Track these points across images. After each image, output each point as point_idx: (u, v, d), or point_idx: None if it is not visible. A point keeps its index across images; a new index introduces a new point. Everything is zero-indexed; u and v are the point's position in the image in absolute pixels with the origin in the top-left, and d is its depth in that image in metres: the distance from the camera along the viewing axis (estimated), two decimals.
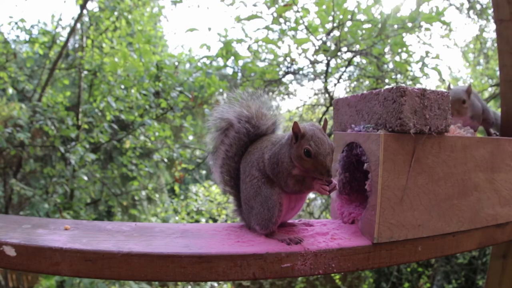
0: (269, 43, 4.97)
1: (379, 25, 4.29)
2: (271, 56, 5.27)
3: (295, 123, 1.21)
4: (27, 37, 6.25)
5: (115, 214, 7.56)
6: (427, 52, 4.81)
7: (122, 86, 5.87)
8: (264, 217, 1.31)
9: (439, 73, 4.76)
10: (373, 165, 1.29)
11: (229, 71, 5.71)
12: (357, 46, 4.59)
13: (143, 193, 7.70)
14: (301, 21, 4.61)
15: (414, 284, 7.46)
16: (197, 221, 7.53)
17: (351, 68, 5.42)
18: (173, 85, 5.38)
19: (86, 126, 6.04)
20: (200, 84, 5.61)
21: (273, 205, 1.30)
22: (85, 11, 6.37)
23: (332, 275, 6.95)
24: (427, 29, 5.01)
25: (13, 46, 5.94)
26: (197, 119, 8.15)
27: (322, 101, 6.12)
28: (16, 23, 6.04)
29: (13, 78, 5.72)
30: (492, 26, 6.54)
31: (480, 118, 2.03)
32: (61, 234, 1.26)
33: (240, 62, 5.17)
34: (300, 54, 4.91)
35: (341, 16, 4.37)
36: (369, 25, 4.45)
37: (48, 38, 6.18)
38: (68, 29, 6.44)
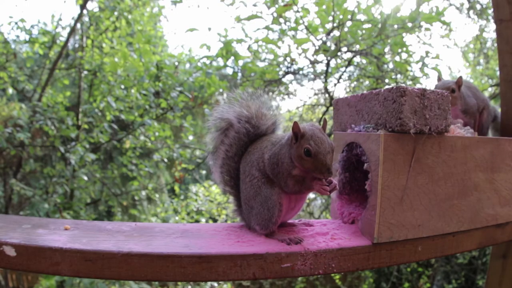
0: (269, 43, 4.97)
1: (379, 25, 4.29)
2: (271, 56, 5.27)
3: (295, 123, 1.22)
4: (27, 37, 6.26)
5: (115, 214, 7.56)
6: (427, 52, 4.81)
7: (122, 86, 5.87)
8: (264, 217, 1.31)
9: (439, 73, 4.75)
10: (373, 165, 1.29)
11: (229, 71, 5.71)
12: (357, 46, 4.59)
13: (143, 193, 7.70)
14: (301, 21, 4.61)
15: (414, 284, 7.46)
16: (197, 221, 7.53)
17: (351, 68, 5.42)
18: (173, 85, 5.38)
19: (86, 126, 6.04)
20: (200, 84, 5.61)
21: (273, 205, 1.30)
22: (85, 11, 6.37)
23: (332, 275, 6.95)
24: (427, 29, 5.01)
25: (13, 46, 5.94)
26: (197, 119, 8.15)
27: (322, 101, 6.12)
28: (16, 23, 6.04)
29: (13, 78, 5.72)
30: (492, 26, 6.54)
31: (475, 115, 2.03)
32: (61, 234, 1.26)
33: (240, 62, 5.17)
34: (300, 54, 4.92)
35: (341, 16, 4.37)
36: (369, 25, 4.45)
37: (48, 38, 6.18)
38: (68, 29, 6.45)
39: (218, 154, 1.49)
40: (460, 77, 1.89)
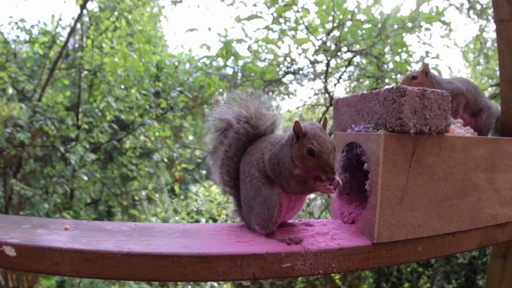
0: (269, 43, 4.97)
1: (379, 25, 4.29)
2: (271, 56, 5.27)
3: (297, 123, 1.21)
4: (27, 37, 6.26)
5: (115, 214, 7.56)
6: (427, 52, 4.81)
7: (122, 86, 5.87)
8: (264, 217, 1.31)
9: (439, 73, 4.76)
10: (373, 165, 1.29)
11: (229, 71, 5.71)
12: (357, 46, 4.59)
13: (143, 193, 7.70)
14: (301, 21, 4.61)
15: (414, 284, 7.46)
16: (197, 221, 7.53)
17: (351, 68, 5.42)
18: (173, 85, 5.38)
19: (86, 126, 6.04)
20: (200, 84, 5.61)
21: (272, 205, 1.30)
22: (85, 11, 6.38)
23: (332, 275, 6.95)
24: (427, 29, 5.01)
25: (13, 46, 5.94)
26: (197, 119, 8.15)
27: (322, 101, 6.12)
28: (16, 23, 6.04)
29: (13, 78, 5.71)
30: (492, 26, 6.54)
31: (459, 99, 1.99)
32: (61, 234, 1.26)
33: (240, 62, 5.17)
34: (300, 54, 4.91)
35: (341, 16, 4.37)
36: (369, 25, 4.45)
37: (48, 38, 6.18)
38: (68, 29, 6.45)
39: (218, 155, 1.49)
40: (427, 64, 1.90)
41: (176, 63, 5.68)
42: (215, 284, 6.72)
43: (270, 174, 1.32)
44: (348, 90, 5.75)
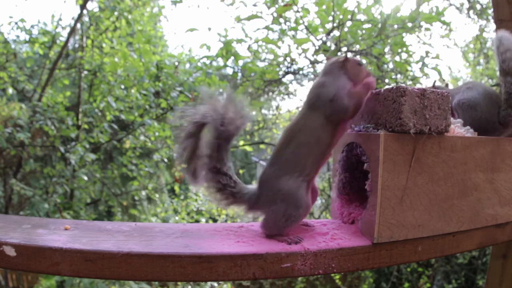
0: (269, 43, 4.97)
1: (379, 25, 4.29)
2: (271, 56, 5.27)
3: (346, 57, 1.37)
4: (27, 37, 6.27)
5: (115, 214, 7.57)
6: (427, 52, 4.81)
7: (122, 86, 5.88)
8: (278, 225, 1.29)
9: (439, 73, 4.77)
10: (373, 165, 1.29)
11: (229, 71, 5.71)
12: (357, 46, 4.59)
13: (143, 193, 7.71)
14: (301, 21, 4.61)
15: (414, 284, 7.46)
16: (197, 221, 7.53)
17: None
18: (173, 85, 5.38)
19: (86, 126, 6.04)
20: (200, 84, 5.61)
21: (295, 220, 1.28)
22: (85, 11, 6.38)
23: (332, 275, 6.95)
24: (427, 29, 5.02)
25: (13, 46, 5.94)
26: None
27: None
28: (16, 23, 6.05)
29: (13, 78, 5.72)
30: (492, 26, 6.54)
31: None
32: (61, 234, 1.25)
33: (240, 62, 5.18)
34: (300, 54, 4.92)
35: (341, 16, 4.37)
36: (369, 25, 4.45)
37: (48, 38, 6.19)
38: (68, 29, 6.45)
39: (198, 167, 1.34)
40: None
41: (176, 63, 5.69)
42: (215, 284, 6.72)
43: (332, 118, 1.29)
44: None
